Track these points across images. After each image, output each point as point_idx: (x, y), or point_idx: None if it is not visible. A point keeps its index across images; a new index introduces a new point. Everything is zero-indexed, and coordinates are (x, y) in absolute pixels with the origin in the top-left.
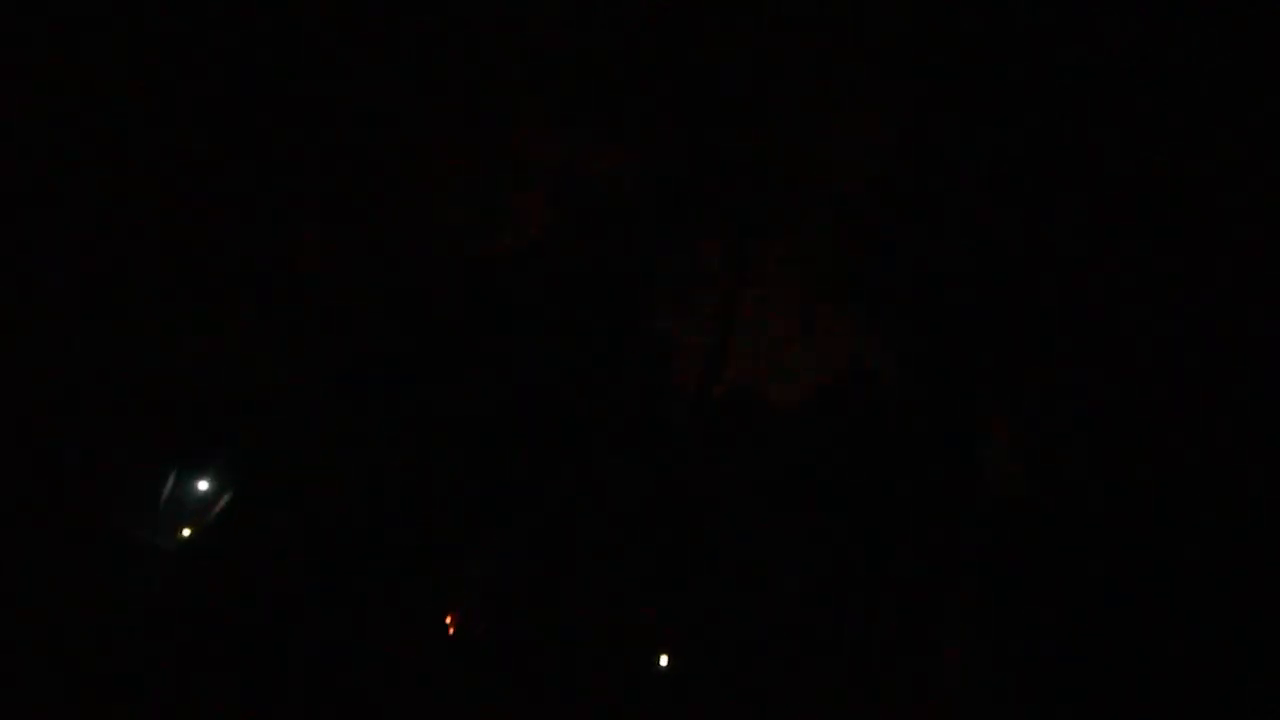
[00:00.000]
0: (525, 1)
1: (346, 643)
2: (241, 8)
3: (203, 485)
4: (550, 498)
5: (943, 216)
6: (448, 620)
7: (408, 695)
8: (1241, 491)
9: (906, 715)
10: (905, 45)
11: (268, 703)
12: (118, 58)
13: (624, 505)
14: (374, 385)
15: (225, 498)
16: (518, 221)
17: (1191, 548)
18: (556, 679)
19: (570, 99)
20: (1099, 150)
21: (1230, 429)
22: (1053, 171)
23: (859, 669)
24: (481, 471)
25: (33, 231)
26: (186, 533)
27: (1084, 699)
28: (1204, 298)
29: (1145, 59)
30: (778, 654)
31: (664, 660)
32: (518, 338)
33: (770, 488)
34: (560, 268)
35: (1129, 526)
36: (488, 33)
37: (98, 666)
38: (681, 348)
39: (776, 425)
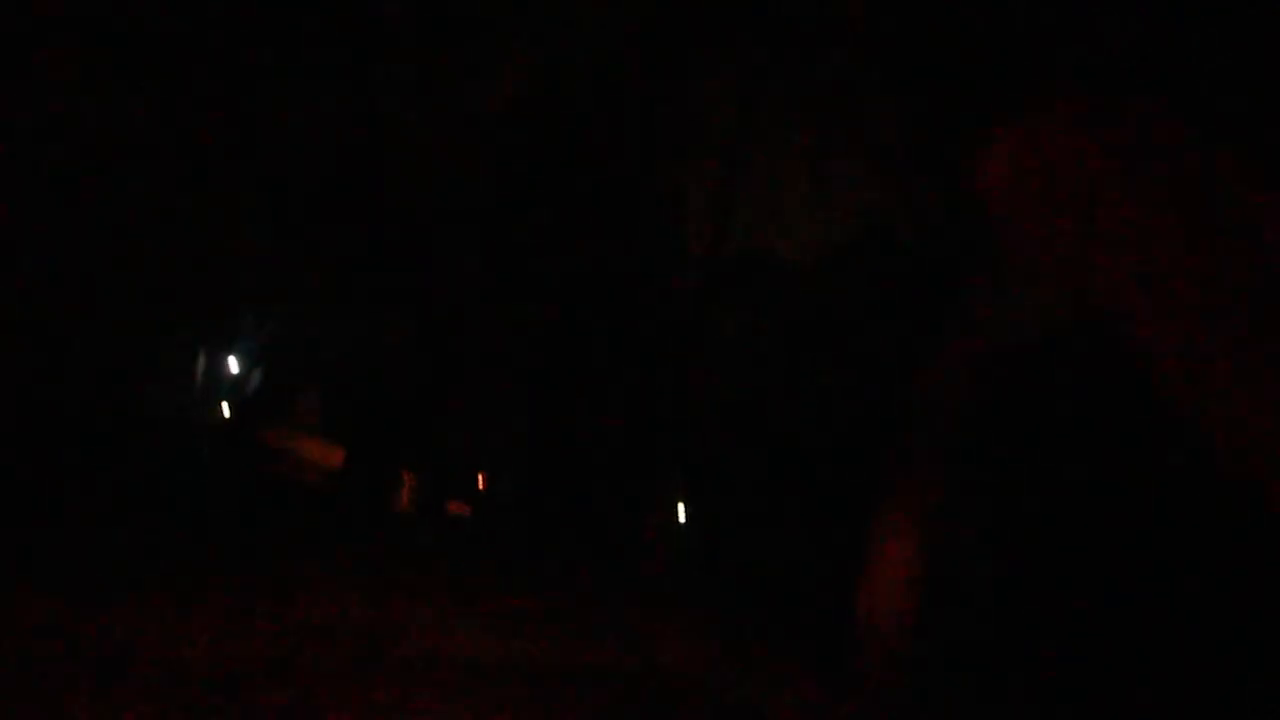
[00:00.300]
0: None
1: (386, 499)
2: None
3: (233, 364)
4: (559, 361)
5: (965, 56)
6: (479, 479)
7: (434, 551)
8: None
9: None
10: None
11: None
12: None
13: (632, 371)
14: (376, 255)
15: (256, 374)
16: (497, 82)
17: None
18: (574, 536)
19: None
20: None
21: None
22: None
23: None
24: (491, 338)
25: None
26: (224, 409)
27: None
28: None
29: None
30: (781, 509)
31: (681, 516)
32: (513, 202)
33: (782, 347)
34: (550, 130)
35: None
36: None
37: (152, 536)
38: (686, 206)
39: (787, 284)
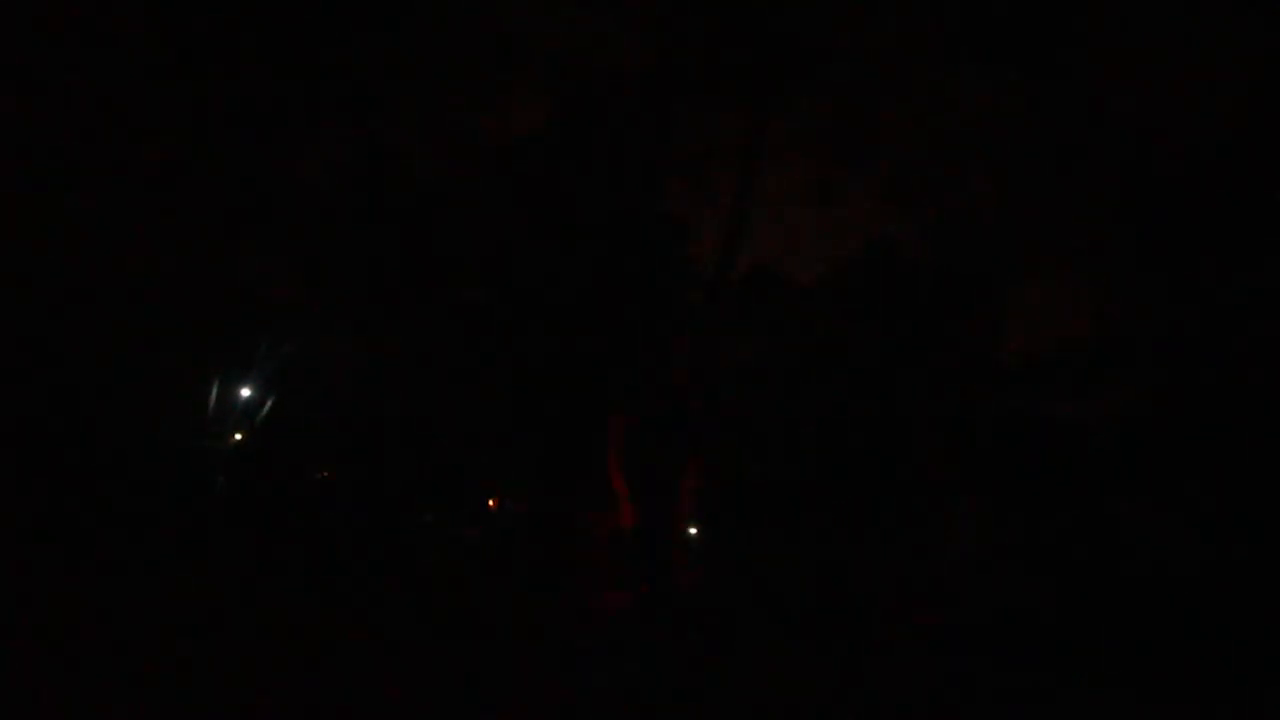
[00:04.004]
0: None
1: (394, 529)
2: None
3: (245, 393)
4: (570, 381)
5: (964, 80)
6: (490, 503)
7: (448, 570)
8: None
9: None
10: None
11: (321, 583)
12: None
13: (644, 390)
14: (393, 282)
15: (269, 403)
16: (518, 107)
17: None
18: (584, 549)
19: None
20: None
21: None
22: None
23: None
24: (502, 361)
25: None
26: (237, 436)
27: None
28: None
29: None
30: (793, 526)
31: (693, 530)
32: (528, 223)
33: (790, 365)
34: (566, 152)
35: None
36: None
37: (165, 562)
38: (697, 226)
39: (796, 302)
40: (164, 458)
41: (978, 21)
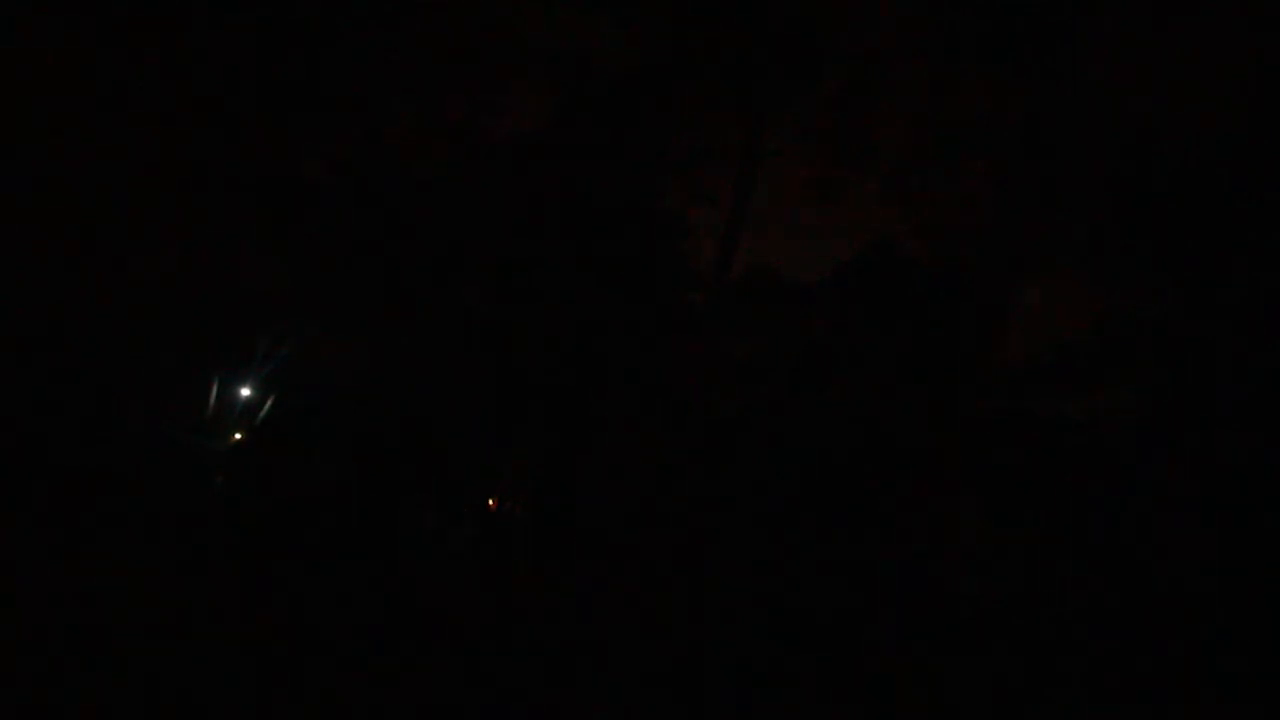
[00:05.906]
0: None
1: (390, 533)
2: None
3: (245, 393)
4: (568, 385)
5: (964, 77)
6: (490, 503)
7: (445, 573)
8: None
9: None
10: None
11: (320, 584)
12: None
13: (642, 392)
14: (393, 284)
15: (269, 403)
16: (518, 107)
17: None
18: (582, 552)
19: None
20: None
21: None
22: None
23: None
24: (501, 363)
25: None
26: (237, 436)
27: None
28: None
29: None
30: (794, 525)
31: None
32: (526, 225)
33: (790, 365)
34: (564, 151)
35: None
36: None
37: (165, 558)
38: (695, 226)
39: (796, 302)
40: (164, 458)
41: (977, 21)
